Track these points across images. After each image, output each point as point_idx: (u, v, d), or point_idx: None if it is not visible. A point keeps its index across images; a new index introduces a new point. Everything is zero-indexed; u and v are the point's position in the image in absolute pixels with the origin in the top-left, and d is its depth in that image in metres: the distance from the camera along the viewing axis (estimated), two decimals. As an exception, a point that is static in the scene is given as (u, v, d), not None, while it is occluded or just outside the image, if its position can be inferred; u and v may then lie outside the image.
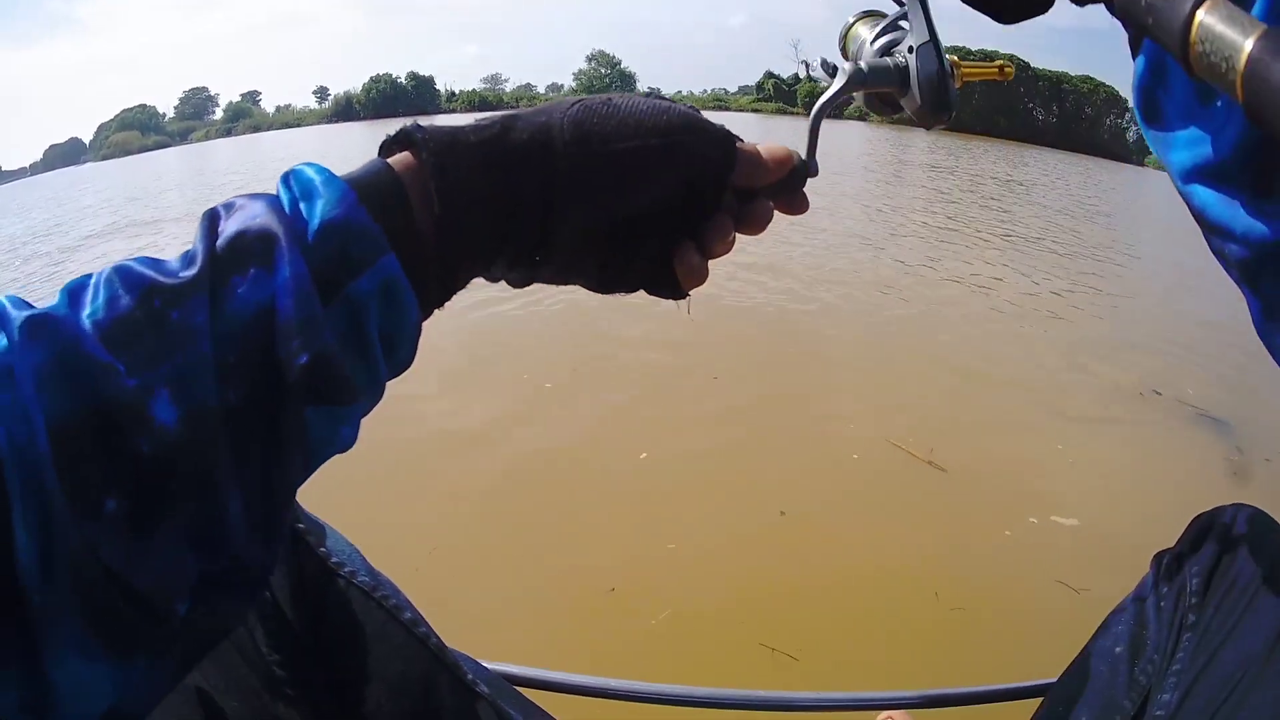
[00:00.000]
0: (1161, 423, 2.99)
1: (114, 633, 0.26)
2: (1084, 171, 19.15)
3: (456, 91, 55.27)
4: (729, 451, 2.50)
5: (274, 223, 0.30)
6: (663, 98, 0.40)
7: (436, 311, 0.37)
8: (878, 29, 0.48)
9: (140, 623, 0.27)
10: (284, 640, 0.48)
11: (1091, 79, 36.27)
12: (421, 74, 53.67)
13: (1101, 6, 0.34)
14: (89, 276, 0.29)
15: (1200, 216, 0.36)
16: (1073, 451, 2.64)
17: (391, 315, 0.32)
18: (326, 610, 0.50)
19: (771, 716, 0.91)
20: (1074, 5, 0.37)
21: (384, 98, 51.11)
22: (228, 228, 0.30)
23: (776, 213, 0.43)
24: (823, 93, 0.46)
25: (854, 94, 0.47)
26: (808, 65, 0.51)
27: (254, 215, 0.31)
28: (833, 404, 2.95)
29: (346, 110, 51.38)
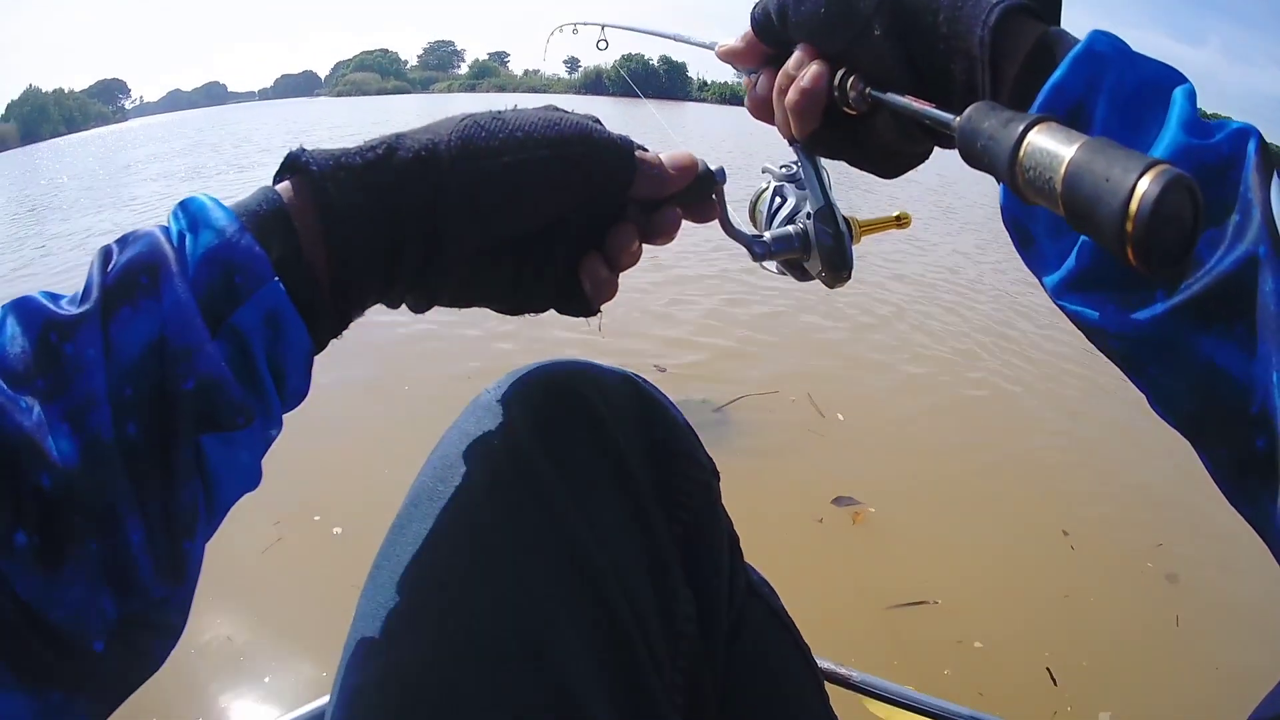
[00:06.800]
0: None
1: (26, 665, 0.26)
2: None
3: (709, 81, 53.28)
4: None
5: (162, 253, 0.29)
6: (558, 109, 0.38)
7: None
8: (783, 194, 0.49)
9: (53, 657, 0.27)
10: (685, 646, 0.43)
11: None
12: (674, 59, 51.90)
13: None
14: None
15: (1079, 323, 0.37)
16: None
17: (279, 345, 0.31)
18: (742, 628, 0.48)
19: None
20: (941, 148, 0.40)
21: (634, 76, 49.54)
22: (119, 259, 0.29)
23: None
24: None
25: (764, 264, 0.48)
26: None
27: (144, 246, 0.30)
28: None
29: (595, 84, 50.63)
